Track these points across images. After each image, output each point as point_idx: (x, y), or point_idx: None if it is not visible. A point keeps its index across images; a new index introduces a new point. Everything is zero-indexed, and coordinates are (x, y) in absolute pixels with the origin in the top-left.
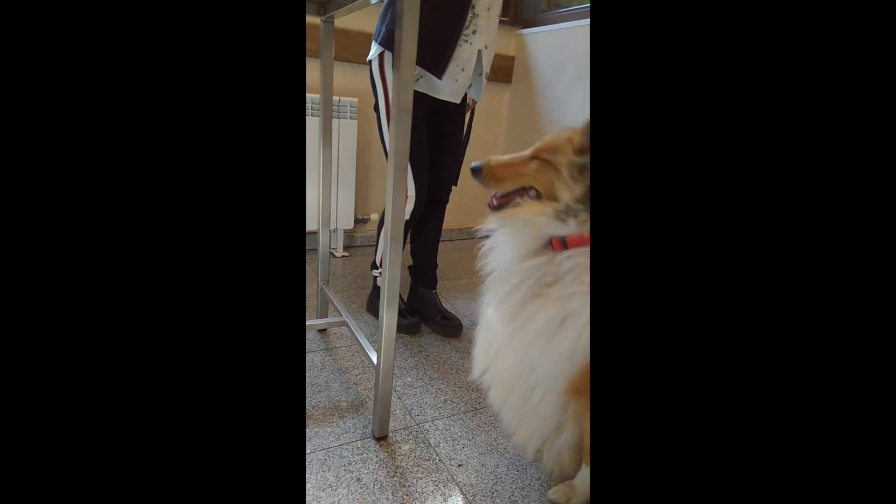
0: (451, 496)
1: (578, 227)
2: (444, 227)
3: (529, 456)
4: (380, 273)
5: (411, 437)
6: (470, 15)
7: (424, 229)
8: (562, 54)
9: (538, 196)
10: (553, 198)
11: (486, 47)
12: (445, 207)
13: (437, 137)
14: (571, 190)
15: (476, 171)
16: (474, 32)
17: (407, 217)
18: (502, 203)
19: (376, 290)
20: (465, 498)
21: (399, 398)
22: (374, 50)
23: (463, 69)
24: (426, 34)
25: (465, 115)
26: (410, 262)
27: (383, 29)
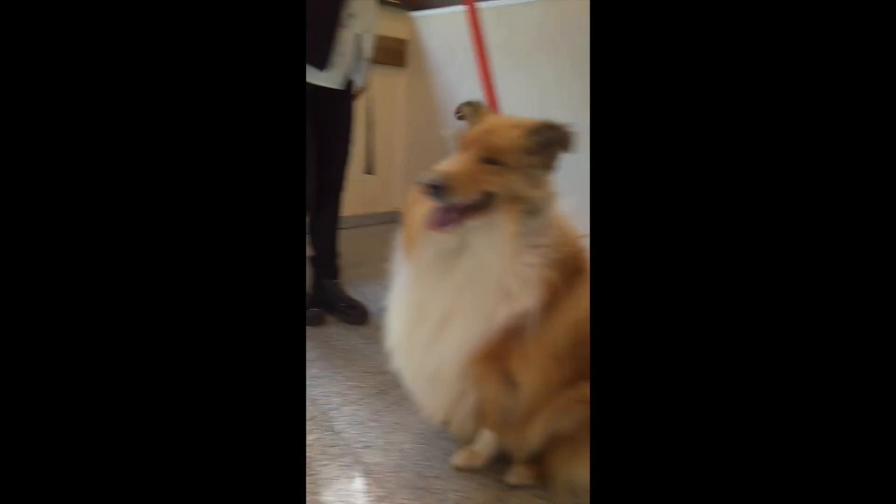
0: (357, 477)
1: (540, 222)
2: (349, 213)
3: (437, 423)
4: None
5: (316, 426)
6: None
7: (320, 221)
8: (452, 37)
9: (486, 205)
10: (516, 200)
11: (364, 32)
12: (340, 196)
13: (324, 126)
14: (538, 187)
15: (437, 190)
16: (350, 16)
17: None
18: (465, 217)
19: None
20: (373, 477)
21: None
22: None
23: (341, 54)
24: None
25: (351, 102)
26: (311, 252)
27: None
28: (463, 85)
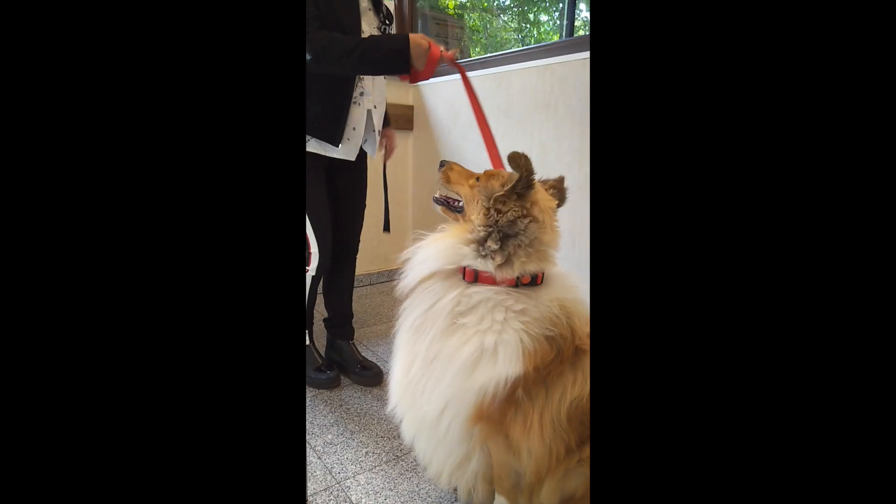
0: None
1: (493, 268)
2: (362, 271)
3: (444, 486)
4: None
5: (332, 497)
6: (357, 79)
7: (335, 282)
8: (454, 101)
9: (460, 211)
10: (468, 217)
11: (374, 107)
12: (355, 259)
13: (338, 193)
14: (477, 214)
15: (441, 165)
16: (361, 94)
17: (313, 273)
18: (440, 200)
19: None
20: None
21: (319, 458)
22: None
23: (354, 128)
24: (316, 105)
25: (364, 169)
26: (325, 314)
27: None
28: (466, 144)
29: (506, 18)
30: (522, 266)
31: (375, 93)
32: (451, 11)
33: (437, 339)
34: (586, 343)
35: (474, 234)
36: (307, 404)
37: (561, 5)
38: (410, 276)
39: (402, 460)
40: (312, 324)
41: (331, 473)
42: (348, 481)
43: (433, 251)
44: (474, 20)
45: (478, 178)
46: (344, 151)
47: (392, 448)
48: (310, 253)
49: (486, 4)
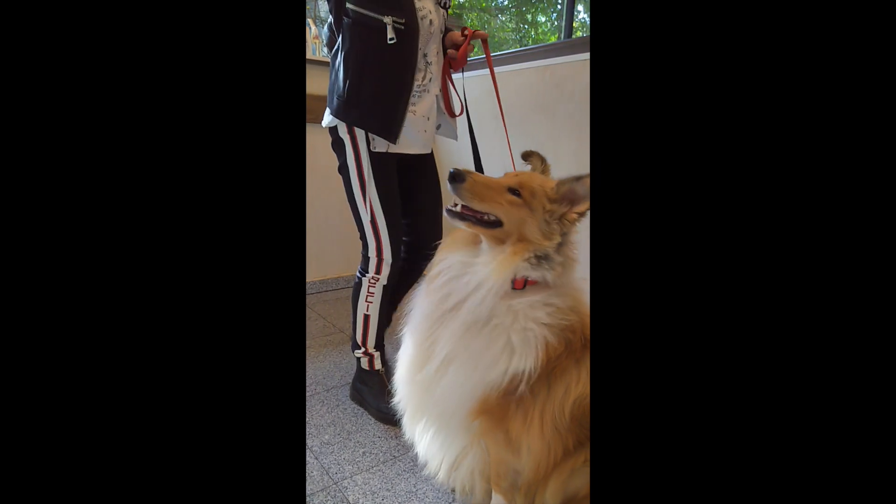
0: None
1: (551, 278)
2: None
3: (442, 481)
4: (364, 354)
5: (329, 497)
6: (423, 64)
7: (401, 294)
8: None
9: (496, 226)
10: (523, 238)
11: (439, 89)
12: (425, 268)
13: (413, 193)
14: (549, 238)
15: (456, 178)
16: (430, 80)
17: (384, 282)
18: (466, 215)
19: (362, 374)
20: None
21: (316, 458)
22: (331, 119)
23: (428, 118)
24: (373, 98)
25: (435, 165)
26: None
27: (335, 100)
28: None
29: (504, 18)
30: (572, 267)
31: (441, 75)
32: (450, 11)
33: (462, 338)
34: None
35: (537, 251)
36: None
37: (559, 6)
38: (467, 306)
39: (400, 460)
40: (384, 346)
41: (328, 474)
42: (345, 482)
43: (494, 281)
44: (473, 20)
45: (515, 192)
46: (422, 145)
47: (389, 448)
48: (381, 260)
49: (484, 4)
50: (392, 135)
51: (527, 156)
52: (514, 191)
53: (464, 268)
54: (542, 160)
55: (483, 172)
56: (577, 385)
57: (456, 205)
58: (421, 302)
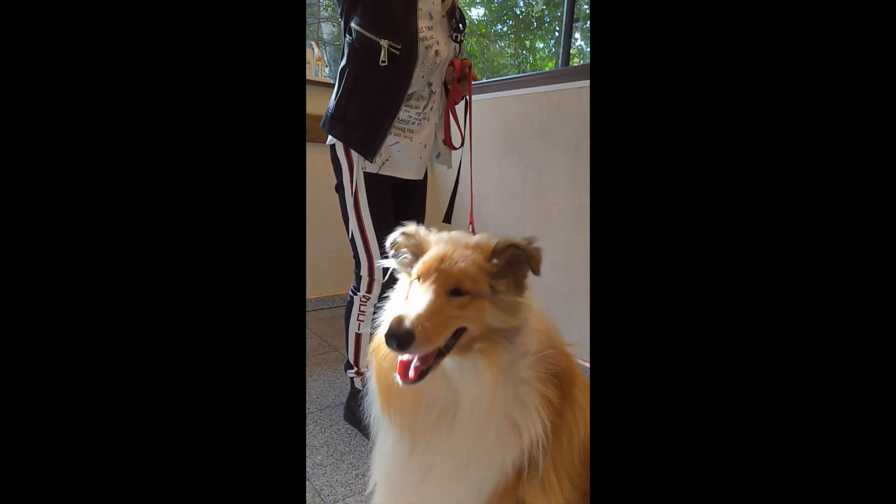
0: None
1: (518, 339)
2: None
3: None
4: (356, 374)
5: None
6: (427, 92)
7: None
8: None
9: (458, 336)
10: (487, 328)
11: (440, 119)
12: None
13: (398, 216)
14: (513, 312)
15: (407, 339)
16: (432, 109)
17: (376, 301)
18: (424, 369)
19: (355, 394)
20: None
21: (308, 479)
22: (330, 137)
23: (425, 146)
24: (357, 116)
25: (425, 190)
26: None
27: (326, 113)
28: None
29: (503, 44)
30: (529, 307)
31: (442, 105)
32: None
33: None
34: (575, 373)
35: (506, 334)
36: None
37: (557, 34)
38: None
39: None
40: None
41: (320, 496)
42: None
43: (490, 402)
44: (472, 45)
45: (457, 292)
46: (416, 171)
47: None
48: (373, 279)
49: (483, 30)
50: (369, 152)
51: (395, 247)
52: (455, 291)
53: (443, 380)
54: (411, 236)
55: (452, 213)
56: (578, 428)
57: (406, 373)
58: (394, 424)
